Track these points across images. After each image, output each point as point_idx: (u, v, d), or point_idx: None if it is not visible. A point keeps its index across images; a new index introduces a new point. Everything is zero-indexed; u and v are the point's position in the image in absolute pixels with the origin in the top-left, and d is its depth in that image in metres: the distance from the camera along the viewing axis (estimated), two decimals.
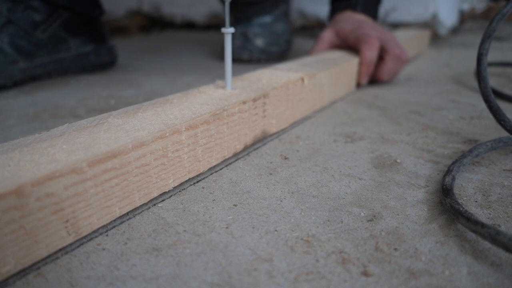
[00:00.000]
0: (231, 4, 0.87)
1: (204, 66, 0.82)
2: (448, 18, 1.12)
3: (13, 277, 0.22)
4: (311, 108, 0.49)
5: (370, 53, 0.59)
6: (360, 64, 0.60)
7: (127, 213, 0.28)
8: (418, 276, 0.22)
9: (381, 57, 0.62)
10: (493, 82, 0.66)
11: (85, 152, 0.24)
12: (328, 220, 0.27)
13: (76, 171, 0.23)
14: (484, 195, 0.31)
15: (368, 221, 0.27)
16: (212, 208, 0.29)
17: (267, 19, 0.86)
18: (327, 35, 0.66)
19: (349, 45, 0.64)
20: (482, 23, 1.29)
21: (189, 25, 1.50)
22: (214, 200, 0.30)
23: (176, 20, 1.50)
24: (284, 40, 0.89)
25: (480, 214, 0.28)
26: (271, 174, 0.34)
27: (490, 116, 0.47)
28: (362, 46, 0.60)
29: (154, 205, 0.29)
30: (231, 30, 0.36)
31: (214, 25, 1.46)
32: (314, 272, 0.22)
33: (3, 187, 0.20)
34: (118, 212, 0.26)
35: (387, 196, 0.31)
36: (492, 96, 0.37)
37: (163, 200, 0.30)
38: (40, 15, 0.67)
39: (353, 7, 0.68)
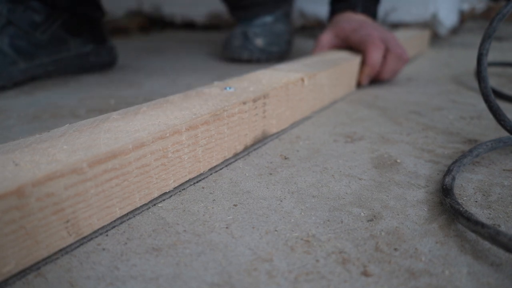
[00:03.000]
0: (233, 4, 0.88)
1: (204, 66, 0.82)
2: (448, 18, 1.12)
3: (13, 277, 0.22)
4: (311, 108, 0.49)
5: (376, 54, 0.59)
6: (364, 64, 0.60)
7: (127, 213, 0.28)
8: (418, 276, 0.22)
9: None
10: (493, 82, 0.66)
11: (86, 152, 0.24)
12: (328, 220, 0.27)
13: (77, 171, 0.23)
14: (484, 195, 0.31)
15: (368, 221, 0.27)
16: (212, 208, 0.29)
17: (268, 19, 0.86)
18: (326, 38, 0.66)
19: (351, 45, 0.64)
20: (482, 23, 1.29)
21: (189, 25, 1.50)
22: (214, 200, 0.30)
23: (176, 20, 1.50)
24: (284, 40, 0.89)
25: (480, 214, 0.28)
26: (271, 174, 0.34)
27: (490, 116, 0.47)
28: (367, 47, 0.59)
29: (154, 205, 0.29)
30: (232, 90, 0.39)
31: (214, 25, 1.46)
32: (314, 272, 0.22)
33: (4, 187, 0.20)
34: (118, 213, 0.27)
35: (387, 196, 0.31)
36: (492, 96, 0.37)
37: (163, 200, 0.30)
38: (40, 16, 0.67)
39: (353, 8, 0.68)
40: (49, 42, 0.68)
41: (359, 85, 0.63)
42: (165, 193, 0.31)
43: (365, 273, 0.22)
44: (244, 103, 0.36)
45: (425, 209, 0.29)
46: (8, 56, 0.62)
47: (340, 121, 0.48)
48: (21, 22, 0.65)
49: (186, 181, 0.33)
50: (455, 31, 1.22)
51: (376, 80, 0.65)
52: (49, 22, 0.68)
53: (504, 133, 0.42)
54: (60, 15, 0.69)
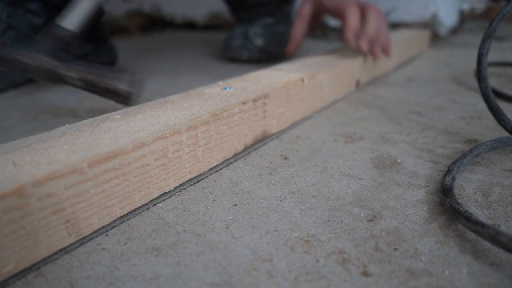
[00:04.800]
0: (235, 5, 0.88)
1: (204, 66, 0.82)
2: (448, 18, 1.12)
3: (13, 277, 0.22)
4: (311, 108, 0.49)
5: (353, 15, 0.59)
6: (344, 28, 0.60)
7: (127, 213, 0.28)
8: (418, 276, 0.22)
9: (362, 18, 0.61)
10: (493, 82, 0.66)
11: (86, 152, 0.24)
12: (328, 220, 0.28)
13: (77, 171, 0.23)
14: (484, 195, 0.31)
15: (368, 221, 0.27)
16: (212, 208, 0.29)
17: (269, 20, 0.86)
18: (306, 10, 0.66)
19: (330, 13, 0.64)
20: (482, 23, 1.29)
21: (189, 25, 1.50)
22: (214, 200, 0.30)
23: (176, 20, 1.50)
24: (285, 41, 0.89)
25: (480, 214, 0.28)
26: (271, 174, 0.34)
27: (490, 116, 0.47)
28: (343, 12, 0.60)
29: (154, 205, 0.29)
30: (232, 90, 0.39)
31: (214, 25, 1.46)
32: (314, 272, 0.22)
33: (4, 187, 0.20)
34: (118, 213, 0.27)
35: (387, 196, 0.31)
36: (492, 96, 0.37)
37: (163, 200, 0.30)
38: (40, 19, 0.67)
39: None
40: None
41: (347, 43, 0.61)
42: (165, 193, 0.31)
43: (365, 273, 0.22)
44: (244, 103, 0.36)
45: (425, 209, 0.29)
46: None
47: (340, 121, 0.48)
48: (22, 26, 0.64)
49: (186, 181, 0.33)
50: (455, 31, 1.22)
51: (374, 81, 0.65)
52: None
53: (504, 133, 0.42)
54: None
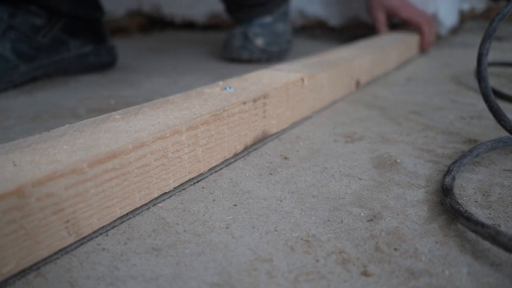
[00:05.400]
0: (233, 5, 0.87)
1: (204, 66, 0.82)
2: (448, 18, 1.12)
3: (13, 277, 0.22)
4: (311, 108, 0.49)
5: (428, 30, 0.89)
6: (423, 39, 0.89)
7: (127, 213, 0.28)
8: (418, 276, 0.22)
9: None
10: (493, 82, 0.65)
11: (86, 152, 0.24)
12: (328, 220, 0.28)
13: (77, 171, 0.23)
14: (484, 195, 0.31)
15: (368, 221, 0.27)
16: (212, 208, 0.29)
17: (267, 19, 0.86)
18: (381, 17, 0.90)
19: (400, 20, 0.91)
20: (482, 23, 1.29)
21: (189, 25, 1.50)
22: (214, 200, 0.30)
23: (176, 20, 1.50)
24: (285, 40, 0.89)
25: (480, 214, 0.28)
26: (271, 174, 0.34)
27: (490, 116, 0.47)
28: (422, 27, 0.88)
29: (154, 205, 0.29)
30: (232, 90, 0.39)
31: (214, 25, 1.46)
32: (314, 272, 0.22)
33: (3, 187, 0.20)
34: (118, 213, 0.27)
35: (387, 196, 0.31)
36: (492, 96, 0.37)
37: (163, 200, 0.30)
38: (41, 19, 0.67)
39: None
40: (49, 45, 0.68)
41: (423, 51, 0.91)
42: (165, 193, 0.31)
43: (365, 273, 0.22)
44: (244, 103, 0.36)
45: (425, 209, 0.29)
46: (10, 61, 0.62)
47: (340, 121, 0.48)
48: (22, 26, 0.64)
49: (186, 181, 0.33)
50: (455, 31, 1.22)
51: (377, 80, 0.65)
52: (50, 25, 0.68)
53: (504, 133, 0.42)
54: (60, 18, 0.69)
